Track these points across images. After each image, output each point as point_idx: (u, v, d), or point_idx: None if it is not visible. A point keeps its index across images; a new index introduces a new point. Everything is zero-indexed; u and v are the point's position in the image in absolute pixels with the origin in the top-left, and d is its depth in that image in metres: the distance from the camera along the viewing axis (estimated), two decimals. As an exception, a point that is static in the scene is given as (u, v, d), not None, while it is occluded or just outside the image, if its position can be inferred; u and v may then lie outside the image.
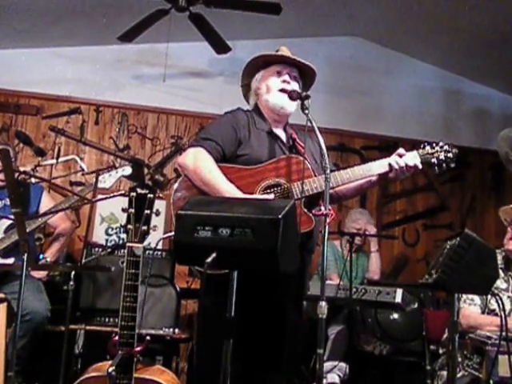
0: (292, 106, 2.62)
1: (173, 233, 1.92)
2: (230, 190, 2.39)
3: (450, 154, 2.66)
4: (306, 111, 2.40)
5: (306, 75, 2.74)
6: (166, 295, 4.12)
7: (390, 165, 2.58)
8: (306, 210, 2.42)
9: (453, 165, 2.67)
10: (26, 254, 2.47)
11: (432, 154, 2.65)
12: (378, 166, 2.59)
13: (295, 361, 2.58)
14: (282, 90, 2.60)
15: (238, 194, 2.38)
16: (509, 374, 2.53)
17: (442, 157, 2.65)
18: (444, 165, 2.66)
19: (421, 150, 2.66)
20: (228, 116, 2.66)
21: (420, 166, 2.60)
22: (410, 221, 5.80)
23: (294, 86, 2.64)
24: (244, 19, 4.56)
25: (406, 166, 2.56)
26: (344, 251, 4.62)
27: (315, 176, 2.49)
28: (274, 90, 2.63)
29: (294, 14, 4.78)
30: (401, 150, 2.63)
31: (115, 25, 4.60)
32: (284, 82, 2.63)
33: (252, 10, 4.26)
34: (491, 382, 2.60)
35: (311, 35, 5.42)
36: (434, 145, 2.67)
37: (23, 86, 5.17)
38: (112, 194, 2.92)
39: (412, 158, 2.60)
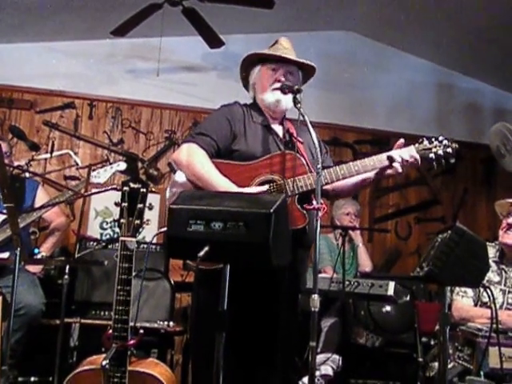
0: (288, 102, 2.55)
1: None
2: (224, 183, 2.38)
3: (449, 149, 2.53)
4: (298, 105, 2.38)
5: (304, 69, 2.67)
6: (161, 289, 4.15)
7: (389, 157, 2.49)
8: (299, 207, 2.41)
9: (452, 160, 2.54)
10: (18, 249, 2.48)
11: (430, 149, 2.52)
12: (375, 161, 2.50)
13: (289, 355, 2.58)
14: (276, 89, 2.57)
15: (233, 188, 2.37)
16: (499, 365, 2.57)
17: (440, 152, 2.52)
18: (443, 160, 2.53)
19: (418, 145, 2.54)
20: (223, 109, 2.65)
21: (419, 160, 2.49)
22: (403, 214, 5.82)
23: (289, 82, 2.57)
24: (237, 13, 4.55)
25: (403, 159, 2.47)
26: (339, 243, 4.61)
27: (310, 172, 2.45)
28: (269, 89, 2.59)
29: (286, 9, 4.77)
30: (401, 141, 2.54)
31: (108, 19, 4.59)
32: (278, 81, 2.57)
33: (245, 4, 4.26)
34: (482, 373, 2.64)
35: (304, 29, 5.39)
36: (433, 139, 2.54)
37: (16, 80, 5.15)
38: (104, 188, 2.92)
39: (408, 152, 2.50)
